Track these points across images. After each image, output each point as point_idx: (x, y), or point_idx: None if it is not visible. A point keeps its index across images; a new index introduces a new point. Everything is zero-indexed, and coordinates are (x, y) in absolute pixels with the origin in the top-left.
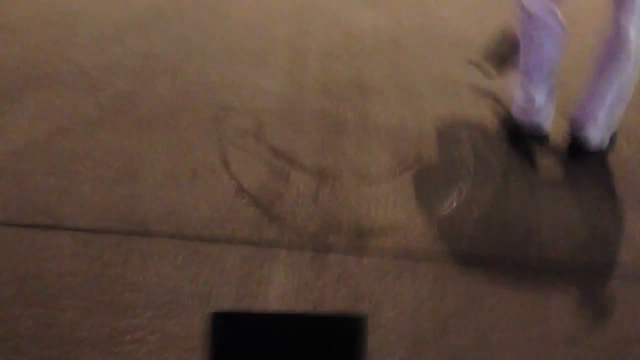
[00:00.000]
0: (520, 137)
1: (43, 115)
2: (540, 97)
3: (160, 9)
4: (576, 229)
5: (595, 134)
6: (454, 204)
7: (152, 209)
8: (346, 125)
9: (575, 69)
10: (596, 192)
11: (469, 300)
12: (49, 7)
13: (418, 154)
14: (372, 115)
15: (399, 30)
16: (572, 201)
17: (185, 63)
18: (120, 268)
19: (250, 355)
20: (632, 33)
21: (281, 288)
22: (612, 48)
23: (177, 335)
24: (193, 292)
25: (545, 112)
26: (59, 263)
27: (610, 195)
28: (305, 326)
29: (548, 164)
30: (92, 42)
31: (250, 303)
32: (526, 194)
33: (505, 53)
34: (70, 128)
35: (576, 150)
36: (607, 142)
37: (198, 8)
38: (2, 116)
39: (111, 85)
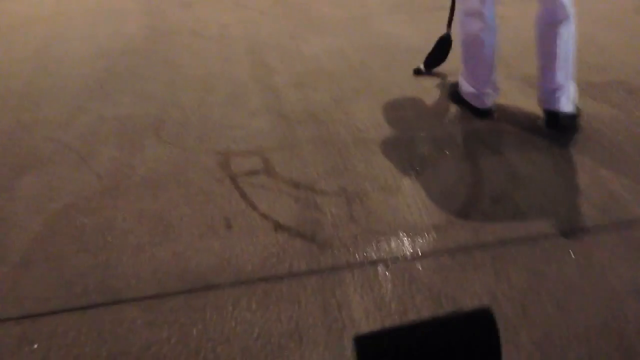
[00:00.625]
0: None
1: (46, 197)
2: (487, 88)
3: (115, 71)
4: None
5: (566, 102)
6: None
7: (202, 262)
8: (343, 143)
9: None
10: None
11: (534, 276)
12: (4, 90)
13: (420, 156)
14: (362, 128)
15: (351, 49)
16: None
17: (163, 118)
18: (201, 325)
19: None
20: None
21: (362, 308)
22: (554, 16)
23: None
24: (282, 331)
25: (492, 97)
26: (138, 335)
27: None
28: (440, 329)
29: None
30: (59, 115)
31: (342, 327)
32: (529, 167)
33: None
34: (79, 203)
35: (554, 123)
36: (575, 107)
37: (156, 65)
38: (2, 209)
39: (99, 153)
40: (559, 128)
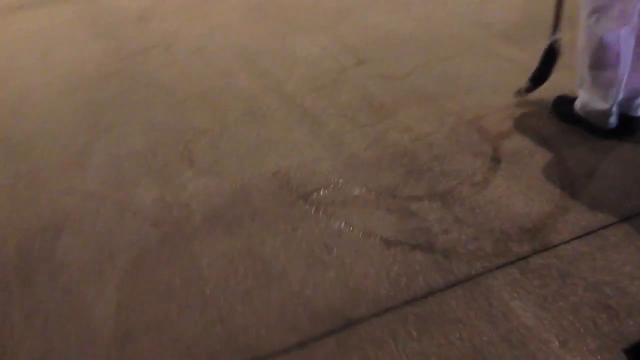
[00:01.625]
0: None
1: (102, 257)
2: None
3: (102, 102)
4: None
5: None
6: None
7: (328, 297)
8: (406, 145)
9: None
10: None
11: None
12: None
13: (492, 145)
14: (415, 126)
15: (349, 44)
16: None
17: (188, 147)
18: None
19: None
20: None
21: (529, 311)
22: None
23: None
24: (462, 355)
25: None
26: None
27: None
28: None
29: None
30: (64, 161)
31: (521, 338)
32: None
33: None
34: (144, 257)
35: (630, 129)
36: None
37: (144, 88)
38: (60, 279)
39: (137, 197)
40: (631, 132)
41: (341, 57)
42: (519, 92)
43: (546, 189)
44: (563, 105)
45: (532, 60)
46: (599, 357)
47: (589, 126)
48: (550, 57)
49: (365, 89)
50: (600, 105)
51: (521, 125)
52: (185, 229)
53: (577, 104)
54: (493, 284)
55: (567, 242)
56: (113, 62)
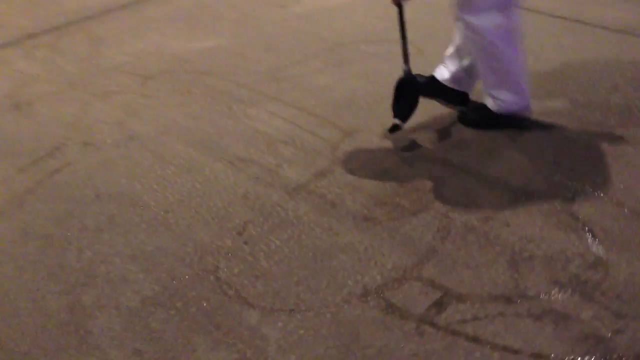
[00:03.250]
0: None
1: None
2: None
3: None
4: None
5: None
6: None
7: None
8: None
9: None
10: None
11: None
12: None
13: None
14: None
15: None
16: None
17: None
18: None
19: None
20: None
21: None
22: None
23: None
24: None
25: None
26: None
27: None
28: None
29: None
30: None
31: None
32: None
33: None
34: None
35: None
36: None
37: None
38: None
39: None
40: None
41: (320, 130)
42: (390, 131)
43: None
44: (480, 112)
45: None
46: None
47: (518, 123)
48: (404, 88)
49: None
50: (524, 98)
51: None
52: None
53: (501, 105)
54: None
55: None
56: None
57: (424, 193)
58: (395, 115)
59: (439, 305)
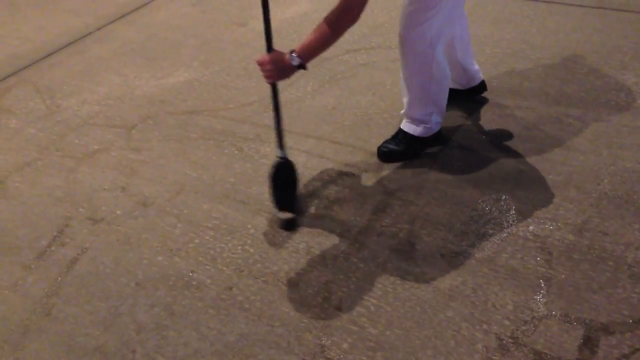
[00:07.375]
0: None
1: None
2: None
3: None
4: None
5: None
6: None
7: None
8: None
9: None
10: None
11: None
12: None
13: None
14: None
15: None
16: None
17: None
18: None
19: None
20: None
21: None
22: None
23: None
24: None
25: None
26: None
27: None
28: None
29: None
30: None
31: None
32: None
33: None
34: None
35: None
36: None
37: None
38: None
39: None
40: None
41: (351, 158)
42: (285, 228)
43: None
44: (403, 145)
45: None
46: None
47: (430, 143)
48: (282, 176)
49: None
50: (437, 123)
51: None
52: None
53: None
54: None
55: None
56: (28, 282)
57: (499, 213)
58: (281, 208)
59: (590, 343)
